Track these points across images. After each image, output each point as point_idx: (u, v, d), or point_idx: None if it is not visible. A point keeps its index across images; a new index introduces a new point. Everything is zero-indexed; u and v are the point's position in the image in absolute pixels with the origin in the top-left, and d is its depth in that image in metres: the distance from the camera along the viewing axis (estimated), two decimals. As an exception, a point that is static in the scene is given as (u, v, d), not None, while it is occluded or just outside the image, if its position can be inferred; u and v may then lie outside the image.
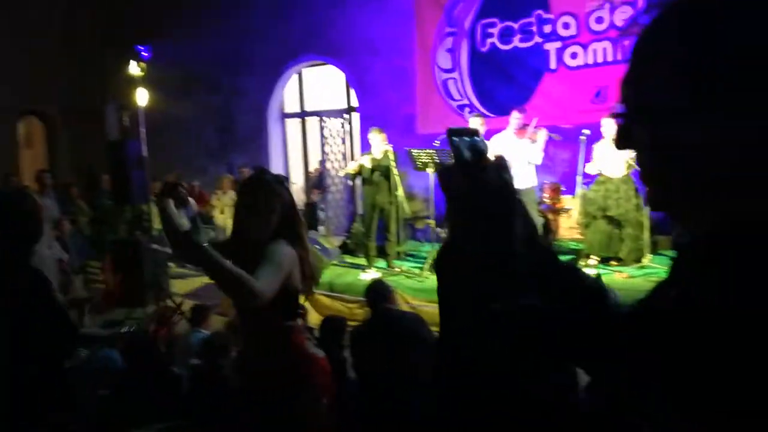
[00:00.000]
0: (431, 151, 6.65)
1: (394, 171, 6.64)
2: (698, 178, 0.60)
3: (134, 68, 6.41)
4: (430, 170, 6.64)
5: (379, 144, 6.76)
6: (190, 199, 8.34)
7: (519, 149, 6.80)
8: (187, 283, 8.46)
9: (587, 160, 6.41)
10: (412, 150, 6.80)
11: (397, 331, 2.00)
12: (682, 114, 0.59)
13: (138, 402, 4.20)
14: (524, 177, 6.88)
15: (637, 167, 0.70)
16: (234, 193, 9.59)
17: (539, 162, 6.85)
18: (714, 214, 0.60)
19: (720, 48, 0.57)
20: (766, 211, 0.57)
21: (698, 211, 0.62)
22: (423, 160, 6.65)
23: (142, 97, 6.67)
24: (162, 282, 6.80)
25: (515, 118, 6.93)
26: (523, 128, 6.86)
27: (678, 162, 0.61)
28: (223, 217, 9.63)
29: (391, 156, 6.68)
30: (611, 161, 6.11)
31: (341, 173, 9.50)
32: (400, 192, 6.66)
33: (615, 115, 0.67)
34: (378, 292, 4.27)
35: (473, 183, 0.77)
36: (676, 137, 0.60)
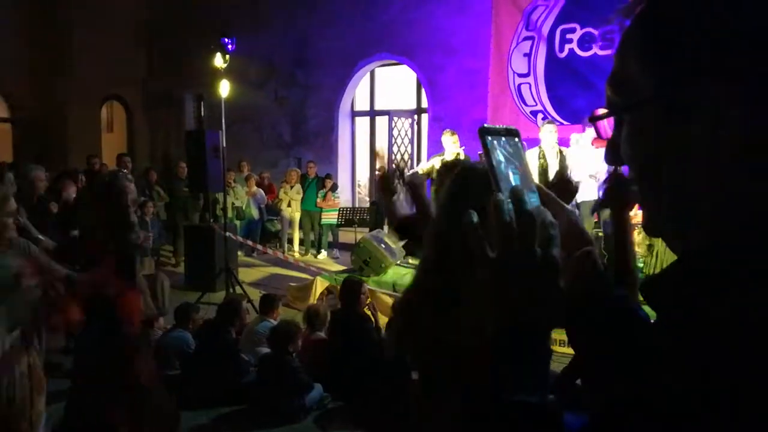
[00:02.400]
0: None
1: (465, 174, 6.60)
2: (681, 190, 0.56)
3: (219, 60, 6.60)
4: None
5: (451, 146, 6.74)
6: (260, 190, 8.61)
7: (592, 159, 6.66)
8: (254, 272, 8.70)
9: None
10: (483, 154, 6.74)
11: None
12: (651, 110, 0.56)
13: (206, 384, 4.35)
14: (588, 189, 6.70)
15: None
16: (300, 187, 9.78)
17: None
18: (701, 233, 0.55)
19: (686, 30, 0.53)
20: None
21: (685, 229, 0.57)
22: (495, 165, 6.58)
23: (224, 88, 6.87)
24: (232, 269, 7.00)
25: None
26: (598, 137, 6.69)
27: (656, 171, 0.57)
28: (290, 210, 9.83)
29: (463, 158, 6.64)
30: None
31: (409, 173, 9.52)
32: (470, 196, 6.61)
33: (593, 119, 0.64)
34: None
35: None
36: (650, 137, 0.57)
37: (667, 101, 0.54)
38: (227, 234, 7.10)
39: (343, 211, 8.86)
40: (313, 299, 6.43)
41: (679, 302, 0.53)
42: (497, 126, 0.80)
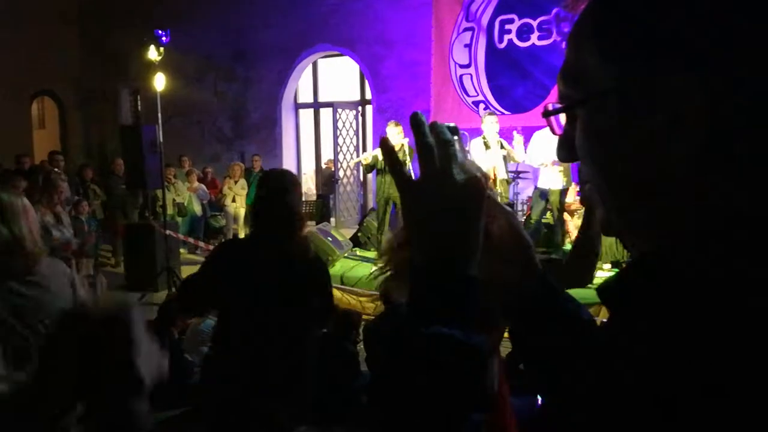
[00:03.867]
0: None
1: (409, 165, 6.62)
2: (640, 187, 0.52)
3: (153, 53, 6.39)
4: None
5: (396, 137, 6.74)
6: (202, 185, 8.41)
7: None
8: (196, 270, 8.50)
9: None
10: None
11: None
12: (608, 103, 0.52)
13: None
14: (557, 177, 6.84)
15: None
16: (245, 182, 9.61)
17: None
18: (655, 233, 0.52)
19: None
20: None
21: (644, 229, 0.54)
22: (438, 156, 6.63)
23: (159, 82, 6.66)
24: (173, 267, 6.82)
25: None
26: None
27: (613, 168, 0.54)
28: (235, 205, 9.65)
29: (407, 150, 6.67)
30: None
31: (353, 162, 9.50)
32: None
33: (546, 114, 0.62)
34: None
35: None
36: (608, 132, 0.53)
37: (625, 93, 0.51)
38: (168, 232, 6.91)
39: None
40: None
41: (636, 306, 0.50)
42: (439, 124, 0.80)
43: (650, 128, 0.50)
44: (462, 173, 0.64)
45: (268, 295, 2.40)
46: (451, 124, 0.77)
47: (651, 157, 0.51)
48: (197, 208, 9.51)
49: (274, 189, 2.48)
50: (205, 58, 11.24)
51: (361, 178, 10.48)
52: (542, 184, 6.93)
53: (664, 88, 0.48)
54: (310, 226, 7.87)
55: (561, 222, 7.24)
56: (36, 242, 2.04)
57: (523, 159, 6.93)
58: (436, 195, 0.63)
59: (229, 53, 11.31)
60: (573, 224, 7.77)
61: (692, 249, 0.49)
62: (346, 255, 7.40)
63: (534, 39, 9.05)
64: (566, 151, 0.60)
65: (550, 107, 0.61)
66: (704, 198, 0.49)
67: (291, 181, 2.56)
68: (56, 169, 7.37)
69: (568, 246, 7.64)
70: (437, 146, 0.65)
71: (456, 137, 0.74)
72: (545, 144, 6.79)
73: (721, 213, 0.49)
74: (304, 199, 11.33)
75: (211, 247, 8.78)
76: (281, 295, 2.40)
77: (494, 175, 6.61)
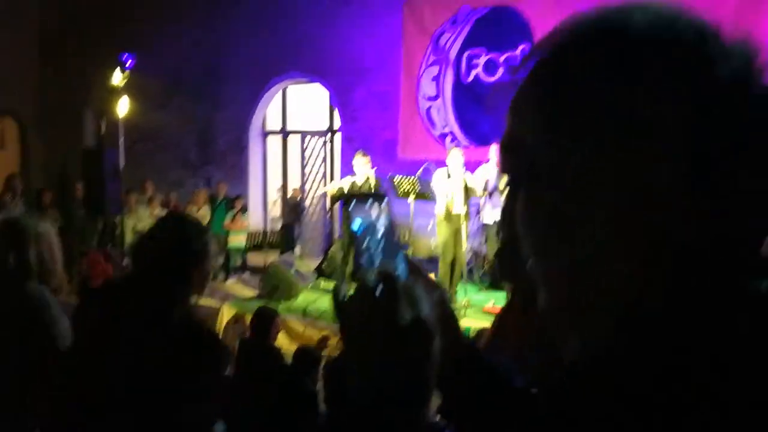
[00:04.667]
0: (413, 178, 6.66)
1: (385, 197, 6.63)
2: (583, 274, 0.49)
3: (116, 76, 6.30)
4: (411, 198, 6.64)
5: (362, 168, 6.75)
6: (165, 211, 8.26)
7: (502, 183, 6.85)
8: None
9: None
10: (394, 176, 6.80)
11: None
12: (550, 180, 0.50)
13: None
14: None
15: None
16: (208, 209, 9.47)
17: None
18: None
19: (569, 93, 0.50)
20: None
21: (584, 323, 0.51)
22: (405, 188, 6.65)
23: (122, 106, 6.56)
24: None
25: (496, 150, 6.98)
26: None
27: (554, 249, 0.51)
28: (198, 233, 9.49)
29: (373, 181, 6.67)
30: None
31: (320, 192, 9.46)
32: (380, 218, 6.64)
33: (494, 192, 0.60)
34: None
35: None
36: (550, 209, 0.51)
37: (568, 171, 0.49)
38: (125, 261, 6.74)
39: (252, 235, 8.64)
40: (219, 327, 6.20)
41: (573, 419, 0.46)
42: (362, 192, 0.80)
43: (596, 208, 0.48)
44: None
45: None
46: (379, 191, 0.77)
47: (593, 241, 0.48)
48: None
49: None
50: (172, 82, 11.14)
51: (328, 206, 10.43)
52: (488, 219, 7.03)
53: (608, 169, 0.47)
54: (274, 258, 7.78)
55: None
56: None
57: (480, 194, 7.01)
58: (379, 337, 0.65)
59: (197, 77, 11.23)
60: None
61: (626, 355, 0.46)
62: (310, 287, 7.32)
63: (500, 74, 9.21)
64: (508, 227, 0.56)
65: (492, 180, 0.60)
66: (651, 289, 0.46)
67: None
68: (9, 195, 7.16)
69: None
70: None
71: (383, 204, 0.74)
72: (494, 179, 6.91)
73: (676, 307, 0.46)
74: (269, 227, 11.23)
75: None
76: None
77: (451, 205, 6.63)
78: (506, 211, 0.57)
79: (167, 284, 1.76)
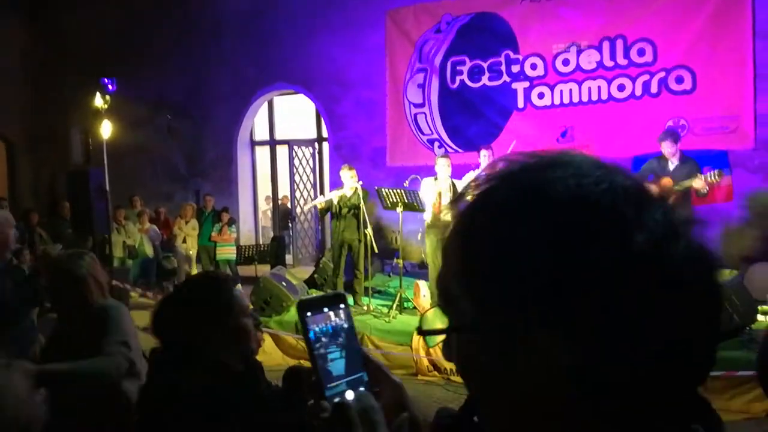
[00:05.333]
0: (400, 190, 6.68)
1: (363, 209, 6.64)
2: None
3: (99, 100, 6.30)
4: (399, 209, 6.66)
5: (349, 181, 6.77)
6: (154, 226, 8.25)
7: None
8: (148, 315, 8.27)
9: None
10: (381, 189, 6.82)
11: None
12: (471, 338, 0.51)
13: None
14: None
15: None
16: (196, 222, 9.47)
17: None
18: None
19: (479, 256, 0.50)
20: None
21: None
22: (392, 200, 6.67)
23: (106, 128, 6.56)
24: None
25: (484, 156, 7.02)
26: None
27: (482, 405, 0.53)
28: (186, 246, 9.48)
29: (361, 193, 6.69)
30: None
31: (308, 206, 9.41)
32: (369, 230, 6.66)
33: (422, 333, 0.60)
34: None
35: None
36: (475, 367, 0.52)
37: (485, 332, 0.49)
38: (114, 282, 6.72)
39: (243, 248, 8.63)
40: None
41: None
42: (318, 296, 0.77)
43: (514, 371, 0.48)
44: None
45: None
46: (339, 292, 0.76)
47: (511, 403, 0.50)
48: (149, 250, 9.30)
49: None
50: (159, 96, 11.13)
51: (319, 214, 10.43)
52: None
53: (522, 334, 0.47)
54: (264, 271, 7.78)
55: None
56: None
57: None
58: None
59: (182, 91, 11.23)
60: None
61: None
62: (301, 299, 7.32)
63: (485, 80, 9.26)
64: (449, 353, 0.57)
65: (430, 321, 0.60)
66: None
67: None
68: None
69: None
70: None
71: (342, 305, 0.73)
72: None
73: None
74: (260, 237, 11.22)
75: (163, 290, 8.62)
76: None
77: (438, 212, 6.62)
78: (447, 342, 0.57)
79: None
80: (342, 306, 0.75)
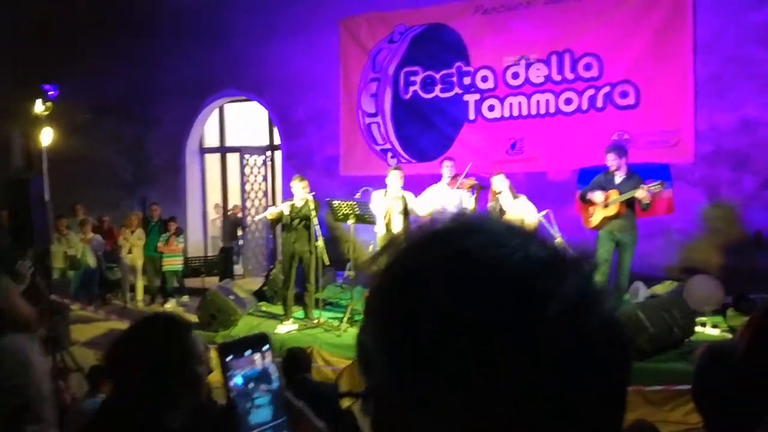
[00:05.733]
0: (352, 202, 6.64)
1: (314, 221, 6.58)
2: None
3: (39, 106, 6.05)
4: (350, 221, 6.62)
5: (300, 192, 6.69)
6: (97, 236, 7.98)
7: (453, 200, 6.91)
8: (91, 329, 7.99)
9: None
10: (332, 201, 6.77)
11: (315, 405, 1.92)
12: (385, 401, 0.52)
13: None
14: None
15: None
16: (142, 232, 9.21)
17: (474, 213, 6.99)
18: None
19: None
20: None
21: None
22: (344, 212, 6.62)
23: (46, 136, 6.31)
24: (60, 333, 6.34)
25: (446, 167, 7.04)
26: (454, 178, 6.97)
27: None
28: (131, 256, 9.19)
29: (312, 205, 6.62)
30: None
31: (258, 218, 9.20)
32: (320, 242, 6.60)
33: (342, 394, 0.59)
34: (296, 362, 4.07)
35: None
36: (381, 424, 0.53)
37: (396, 395, 0.50)
38: (52, 297, 6.45)
39: (190, 259, 8.43)
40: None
41: None
42: (239, 338, 0.74)
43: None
44: None
45: None
46: (261, 333, 0.74)
47: None
48: (91, 260, 8.98)
49: None
50: (101, 102, 10.78)
51: (269, 225, 10.30)
52: None
53: (434, 406, 0.47)
54: (213, 283, 7.62)
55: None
56: None
57: (423, 214, 7.03)
58: None
59: (127, 95, 10.91)
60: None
61: None
62: (250, 312, 7.19)
63: (437, 91, 9.34)
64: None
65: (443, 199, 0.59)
66: None
67: None
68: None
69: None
70: None
71: (266, 346, 0.72)
72: (441, 196, 6.98)
73: None
74: (209, 246, 10.99)
75: (106, 302, 8.36)
76: None
77: (390, 225, 6.63)
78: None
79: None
80: (266, 348, 0.72)
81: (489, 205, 6.48)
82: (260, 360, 0.73)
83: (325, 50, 9.86)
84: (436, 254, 0.51)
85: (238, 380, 0.71)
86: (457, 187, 6.87)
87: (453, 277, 0.49)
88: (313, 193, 6.68)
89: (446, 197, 6.93)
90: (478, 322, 0.47)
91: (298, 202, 6.70)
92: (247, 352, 0.73)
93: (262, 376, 0.72)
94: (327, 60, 9.88)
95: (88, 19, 10.91)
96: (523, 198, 6.59)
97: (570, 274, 0.50)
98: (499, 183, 6.46)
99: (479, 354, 0.46)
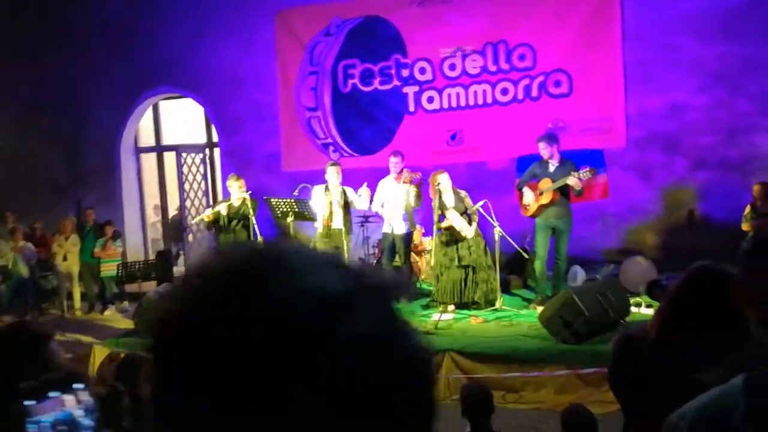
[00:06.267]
0: (290, 200, 6.55)
1: (253, 220, 6.46)
2: None
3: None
4: (289, 219, 6.54)
5: (237, 191, 6.56)
6: (29, 244, 7.64)
7: (400, 194, 6.90)
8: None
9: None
10: (270, 199, 6.66)
11: None
12: None
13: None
14: (401, 222, 6.98)
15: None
16: (77, 237, 8.87)
17: (418, 206, 6.98)
18: None
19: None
20: None
21: None
22: (282, 209, 6.53)
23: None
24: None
25: (393, 162, 7.02)
26: (401, 172, 6.95)
27: None
28: (66, 264, 8.83)
29: (250, 203, 6.50)
30: (456, 219, 6.37)
31: (194, 221, 8.86)
32: (260, 241, 6.48)
33: None
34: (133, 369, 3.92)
35: None
36: None
37: None
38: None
39: (124, 265, 8.14)
40: (92, 372, 5.80)
41: None
42: (43, 378, 0.70)
43: None
44: None
45: None
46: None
47: None
48: (23, 270, 8.58)
49: None
50: (33, 101, 10.31)
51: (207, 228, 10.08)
52: (386, 228, 7.06)
53: None
54: (149, 290, 7.40)
55: (409, 264, 7.43)
56: None
57: (366, 208, 7.02)
58: None
59: (61, 95, 10.44)
60: (422, 263, 8.01)
61: None
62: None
63: (377, 84, 9.30)
64: None
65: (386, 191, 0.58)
66: None
67: None
68: None
69: (422, 284, 7.84)
70: None
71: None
72: (389, 191, 6.96)
73: None
74: (150, 250, 10.67)
75: (42, 312, 7.98)
76: None
77: (328, 222, 6.60)
78: None
79: None
80: (80, 386, 0.68)
81: (433, 203, 6.50)
82: (74, 401, 0.68)
83: (261, 44, 9.67)
84: (211, 305, 0.47)
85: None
86: (403, 182, 6.88)
87: (225, 335, 0.45)
88: (250, 192, 6.56)
89: (393, 192, 6.95)
90: (259, 379, 0.44)
91: (235, 201, 6.57)
92: (53, 393, 0.67)
93: (79, 420, 0.66)
94: (263, 54, 9.69)
95: (18, 21, 10.39)
96: (463, 194, 6.63)
97: (364, 310, 0.47)
98: (444, 181, 6.48)
99: (268, 409, 0.44)
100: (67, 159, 10.81)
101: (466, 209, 6.56)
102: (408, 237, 7.11)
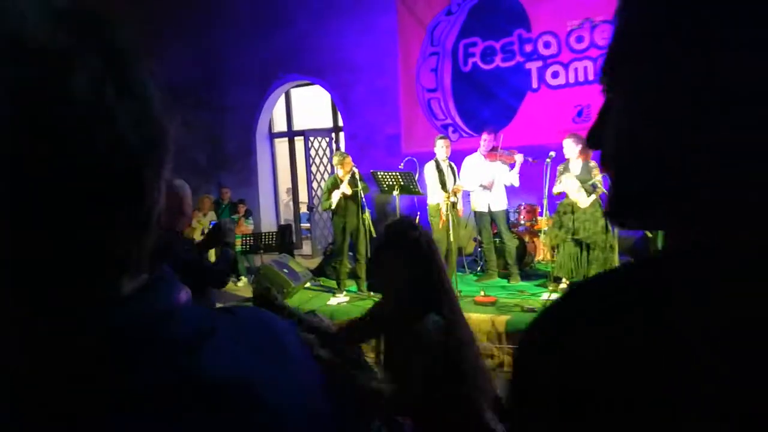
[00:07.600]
0: (396, 173, 6.57)
1: (361, 194, 6.56)
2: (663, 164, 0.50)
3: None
4: (396, 192, 6.56)
5: (342, 169, 6.70)
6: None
7: (489, 171, 6.74)
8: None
9: (552, 181, 6.28)
10: (377, 172, 6.72)
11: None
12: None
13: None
14: (497, 199, 6.82)
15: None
16: (214, 214, 9.57)
17: (516, 184, 6.77)
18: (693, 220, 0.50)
19: None
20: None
21: (670, 216, 0.52)
22: (388, 183, 6.57)
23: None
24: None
25: (483, 140, 6.86)
26: (492, 150, 6.76)
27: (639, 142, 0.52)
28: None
29: (358, 177, 6.61)
30: (572, 185, 5.98)
31: (323, 207, 9.16)
32: (367, 214, 6.58)
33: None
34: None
35: None
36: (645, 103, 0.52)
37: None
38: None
39: (246, 237, 8.65)
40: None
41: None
42: None
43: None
44: None
45: None
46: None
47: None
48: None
49: None
50: (173, 87, 11.30)
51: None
52: (481, 207, 6.86)
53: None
54: (266, 259, 7.80)
55: (522, 243, 7.14)
56: None
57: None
58: None
59: (199, 81, 11.35)
60: (538, 243, 7.66)
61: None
62: (307, 285, 7.31)
63: (498, 61, 9.03)
64: (595, 138, 0.59)
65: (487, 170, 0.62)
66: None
67: None
68: None
69: (540, 265, 7.53)
70: None
71: None
72: (480, 168, 6.79)
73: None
74: (269, 229, 11.26)
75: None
76: None
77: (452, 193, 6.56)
78: (591, 135, 0.59)
79: None
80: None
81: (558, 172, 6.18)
82: None
83: (383, 28, 9.79)
84: None
85: None
86: (500, 159, 6.66)
87: None
88: (355, 165, 6.67)
89: (485, 169, 6.76)
90: None
91: (343, 177, 6.72)
92: None
93: None
94: (385, 38, 9.81)
95: (152, 7, 11.46)
96: (593, 164, 6.17)
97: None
98: (568, 145, 6.11)
99: None
100: (207, 143, 11.73)
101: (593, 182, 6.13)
102: (507, 214, 6.91)
